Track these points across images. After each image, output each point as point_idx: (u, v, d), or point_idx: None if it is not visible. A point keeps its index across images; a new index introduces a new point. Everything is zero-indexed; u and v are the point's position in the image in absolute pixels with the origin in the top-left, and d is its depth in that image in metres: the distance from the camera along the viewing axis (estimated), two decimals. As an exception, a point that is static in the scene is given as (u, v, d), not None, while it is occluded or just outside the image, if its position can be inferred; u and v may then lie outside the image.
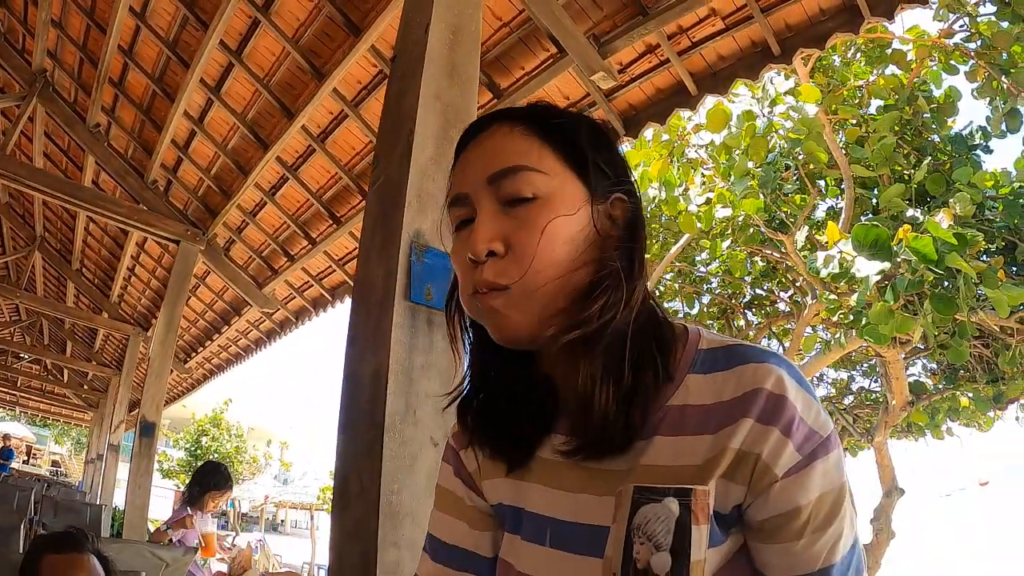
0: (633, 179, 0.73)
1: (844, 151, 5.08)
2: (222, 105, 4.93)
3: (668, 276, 6.97)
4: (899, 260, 3.87)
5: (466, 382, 0.77)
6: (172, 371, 8.31)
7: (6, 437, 23.38)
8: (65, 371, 14.92)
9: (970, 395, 6.16)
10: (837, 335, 5.19)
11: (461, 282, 0.70)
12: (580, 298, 0.65)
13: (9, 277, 11.09)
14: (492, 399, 0.75)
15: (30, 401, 19.49)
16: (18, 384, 17.43)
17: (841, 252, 3.90)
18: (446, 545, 0.80)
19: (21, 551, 3.81)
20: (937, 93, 5.52)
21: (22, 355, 14.91)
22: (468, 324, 0.76)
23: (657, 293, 7.04)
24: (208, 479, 3.98)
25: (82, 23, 5.26)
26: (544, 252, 0.64)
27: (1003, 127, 5.19)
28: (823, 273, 3.92)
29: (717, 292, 7.10)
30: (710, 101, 4.81)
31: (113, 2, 4.47)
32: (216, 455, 21.01)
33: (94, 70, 5.29)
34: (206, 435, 21.31)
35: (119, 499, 8.85)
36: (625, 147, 4.94)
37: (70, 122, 5.87)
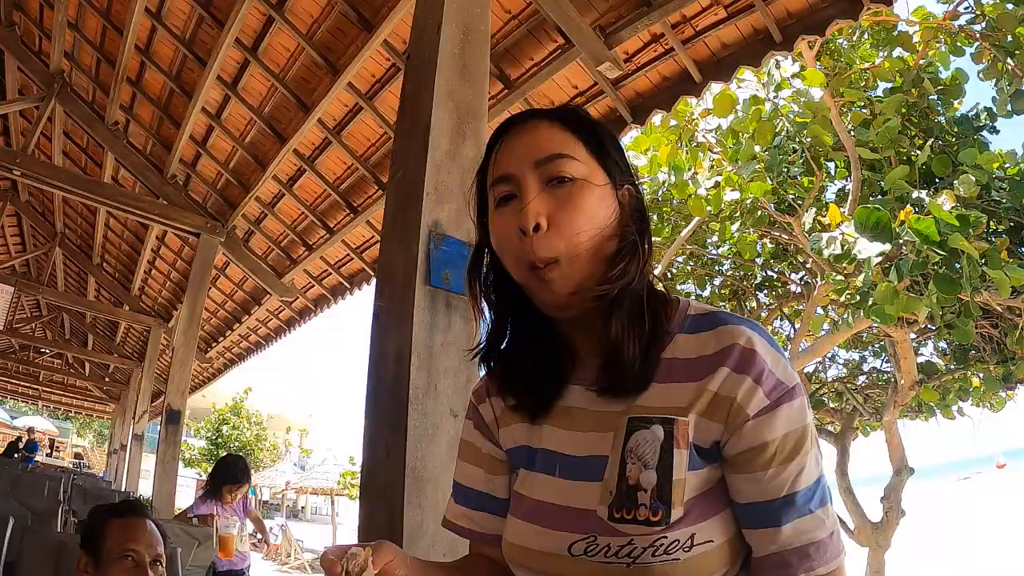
0: (636, 175, 0.88)
1: (851, 134, 5.13)
2: (239, 100, 5.06)
3: (680, 259, 7.05)
4: (902, 241, 3.93)
5: (487, 342, 0.90)
6: (194, 361, 8.51)
7: (30, 430, 23.79)
8: (87, 364, 15.18)
9: (980, 375, 6.20)
10: (845, 315, 5.26)
11: (507, 253, 0.82)
12: (609, 263, 0.79)
13: (30, 273, 11.32)
14: (517, 355, 0.88)
15: (52, 395, 19.80)
16: (40, 379, 17.73)
17: (843, 234, 3.97)
18: (466, 489, 0.95)
19: (59, 531, 3.97)
20: (943, 75, 5.54)
21: (44, 349, 15.19)
22: (492, 290, 0.89)
23: (669, 276, 7.12)
24: (222, 474, 4.09)
25: (98, 24, 5.39)
26: (583, 224, 0.78)
27: (1009, 108, 5.20)
28: (825, 254, 3.99)
29: (729, 274, 7.18)
30: (715, 87, 4.90)
31: (129, 3, 4.59)
32: (236, 443, 21.29)
33: (111, 70, 5.42)
34: (226, 424, 21.57)
35: (144, 488, 9.07)
36: (634, 133, 5.02)
37: (89, 121, 6.01)
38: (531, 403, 0.87)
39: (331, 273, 6.49)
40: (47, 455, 26.28)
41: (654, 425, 0.73)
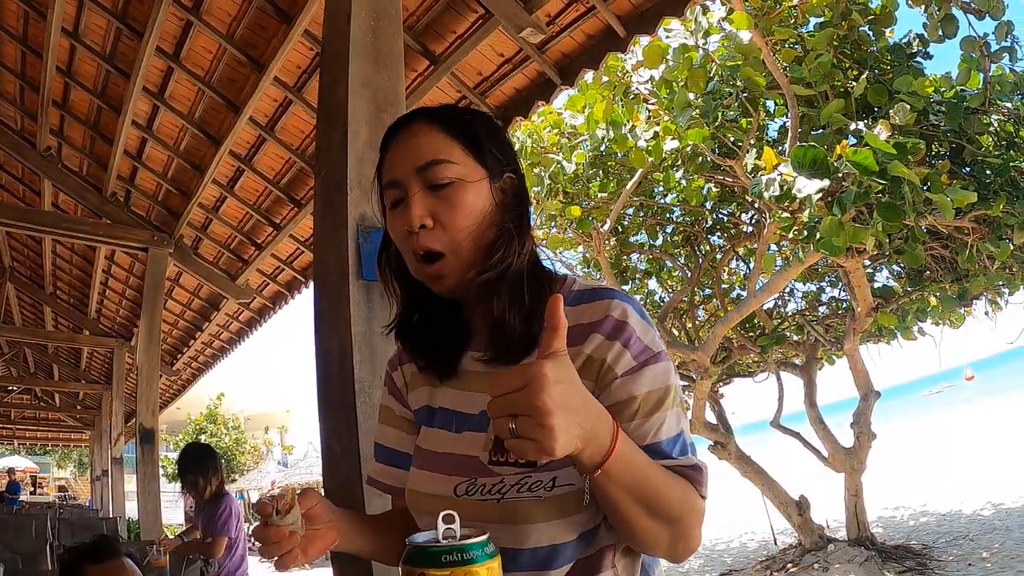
0: (518, 161, 1.00)
1: (785, 72, 5.17)
2: (168, 109, 4.95)
3: (630, 211, 7.10)
4: (842, 175, 4.00)
5: (398, 318, 1.03)
6: (161, 375, 8.39)
7: (11, 471, 23.33)
8: (56, 395, 14.91)
9: (937, 295, 6.37)
10: (796, 250, 5.36)
11: (403, 249, 0.94)
12: (489, 251, 0.90)
13: (-17, 313, 10.99)
14: (422, 329, 1.01)
15: (27, 431, 19.41)
16: (12, 417, 17.35)
17: (781, 174, 4.03)
18: (385, 448, 1.08)
19: (50, 569, 3.93)
20: (874, 4, 5.59)
21: (10, 387, 14.85)
22: (397, 275, 1.01)
23: (620, 229, 7.17)
24: (188, 466, 3.96)
25: (16, 50, 5.19)
26: (462, 221, 0.89)
27: (940, 33, 5.23)
28: (766, 196, 4.05)
29: (679, 221, 7.25)
30: (643, 41, 4.89)
31: (44, 25, 4.45)
32: (218, 450, 21.14)
33: (36, 95, 5.25)
34: (204, 432, 21.38)
35: (131, 510, 8.99)
36: (569, 93, 5.01)
37: (20, 149, 5.84)
38: (434, 368, 1.00)
39: (284, 268, 6.46)
40: (31, 493, 25.84)
41: None
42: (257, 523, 0.85)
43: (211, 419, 21.77)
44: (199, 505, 4.05)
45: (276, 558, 0.84)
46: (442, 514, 0.57)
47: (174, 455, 22.62)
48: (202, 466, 3.95)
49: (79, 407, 14.92)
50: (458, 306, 0.98)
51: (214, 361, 9.69)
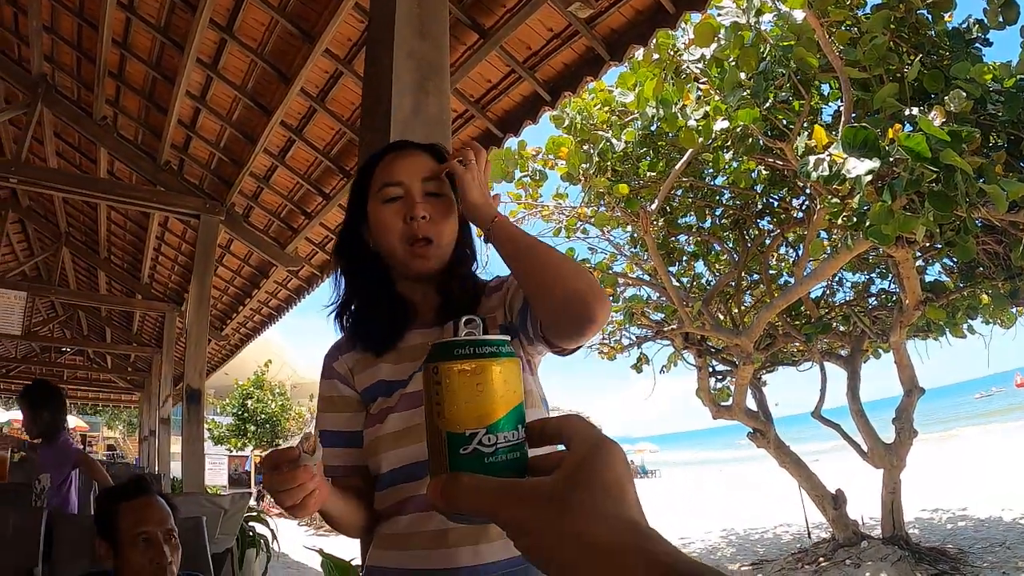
0: None
1: (839, 54, 5.04)
2: (221, 80, 5.07)
3: (679, 193, 7.02)
4: (893, 159, 3.89)
5: (340, 304, 1.28)
6: (210, 340, 8.63)
7: (61, 429, 24.22)
8: (108, 357, 15.41)
9: (989, 292, 6.17)
10: (844, 238, 5.24)
11: (394, 234, 1.19)
12: (455, 250, 1.25)
13: (41, 276, 11.40)
14: (368, 311, 1.25)
15: (78, 391, 20.09)
16: (65, 377, 17.99)
17: (831, 155, 3.94)
18: (335, 433, 1.24)
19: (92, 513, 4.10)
20: (933, -14, 5.40)
21: (64, 349, 15.42)
22: (352, 262, 1.27)
23: (668, 209, 7.09)
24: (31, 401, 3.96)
25: (73, 23, 5.37)
26: (448, 224, 1.22)
27: (1000, 19, 5.05)
28: (814, 176, 3.96)
29: (729, 204, 7.14)
30: (693, 18, 4.82)
31: (100, 0, 4.58)
32: (262, 416, 21.52)
33: (92, 66, 5.42)
34: (251, 398, 21.79)
35: (175, 470, 9.31)
36: (617, 70, 4.96)
37: (77, 119, 6.04)
38: (378, 343, 1.23)
39: (332, 238, 6.54)
40: (81, 450, 26.87)
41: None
42: (275, 470, 0.90)
43: (258, 385, 22.18)
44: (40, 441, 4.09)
45: (297, 503, 0.91)
46: (464, 318, 0.56)
47: (220, 418, 23.25)
48: (45, 403, 4.00)
49: (130, 369, 15.39)
50: (396, 293, 1.25)
51: (262, 328, 9.88)
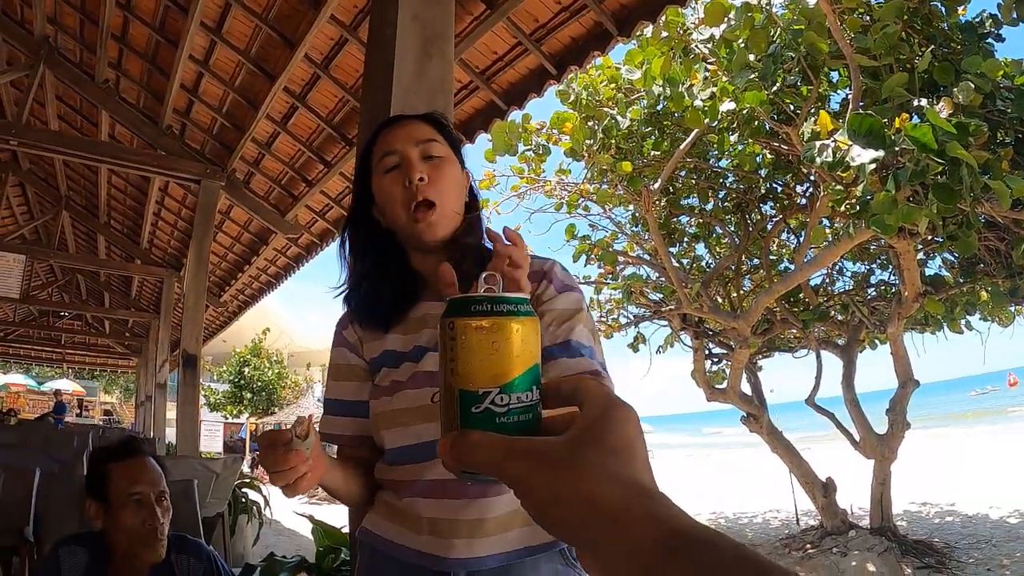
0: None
1: (850, 41, 4.99)
2: (225, 44, 5.01)
3: (683, 173, 6.98)
4: (898, 149, 3.86)
5: (349, 285, 1.26)
6: (208, 306, 8.64)
7: (57, 392, 24.33)
8: (106, 322, 15.44)
9: (988, 289, 6.16)
10: (846, 226, 5.21)
11: (396, 203, 1.17)
12: (463, 211, 1.21)
13: (40, 239, 11.38)
14: (377, 286, 1.22)
15: (76, 356, 20.17)
16: (62, 342, 18.05)
17: (836, 141, 3.91)
18: (342, 401, 1.24)
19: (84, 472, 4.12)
20: (948, -22, 5.33)
21: (63, 313, 15.44)
22: (359, 239, 1.25)
23: (671, 190, 7.06)
24: None
25: (76, -16, 5.30)
26: (448, 183, 1.18)
27: (1014, 15, 5.01)
28: (818, 162, 3.93)
29: (732, 187, 7.11)
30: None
31: (105, -40, 4.53)
32: (258, 383, 21.64)
33: (96, 28, 5.38)
34: (248, 365, 21.84)
35: (171, 435, 9.36)
36: (625, 47, 4.91)
37: (79, 82, 5.99)
38: (387, 318, 1.21)
39: (333, 207, 6.54)
40: (77, 415, 27.00)
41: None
42: (268, 449, 0.92)
43: (255, 352, 22.24)
44: None
45: (290, 483, 0.93)
46: (483, 275, 0.55)
47: (217, 385, 23.34)
48: None
49: (127, 334, 15.43)
50: (407, 266, 1.24)
51: (260, 295, 9.89)
